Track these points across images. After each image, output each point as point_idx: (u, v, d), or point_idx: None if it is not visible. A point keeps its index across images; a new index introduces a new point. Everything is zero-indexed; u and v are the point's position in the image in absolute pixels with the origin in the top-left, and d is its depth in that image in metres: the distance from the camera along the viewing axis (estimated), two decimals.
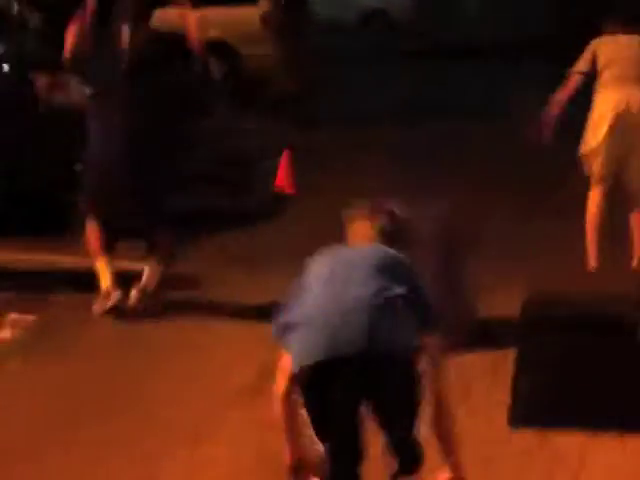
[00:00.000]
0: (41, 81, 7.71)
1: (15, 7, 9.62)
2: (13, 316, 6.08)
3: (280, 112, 12.17)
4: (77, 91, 7.42)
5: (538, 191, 8.46)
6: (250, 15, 13.48)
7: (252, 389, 5.03)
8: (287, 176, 9.44)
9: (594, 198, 6.64)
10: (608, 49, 6.58)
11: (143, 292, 6.12)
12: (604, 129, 6.46)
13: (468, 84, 14.61)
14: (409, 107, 12.87)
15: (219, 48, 11.99)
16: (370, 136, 11.05)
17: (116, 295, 6.01)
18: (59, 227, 7.37)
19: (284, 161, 9.49)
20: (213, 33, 11.47)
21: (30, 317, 6.09)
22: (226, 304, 6.24)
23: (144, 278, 6.16)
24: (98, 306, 6.02)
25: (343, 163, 9.88)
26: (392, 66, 16.29)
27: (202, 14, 11.64)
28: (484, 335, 5.58)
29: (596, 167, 6.57)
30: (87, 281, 6.19)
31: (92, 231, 6.17)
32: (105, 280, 6.05)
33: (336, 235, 3.93)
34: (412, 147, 10.42)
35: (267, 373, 4.89)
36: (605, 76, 6.54)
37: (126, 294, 6.08)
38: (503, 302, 5.99)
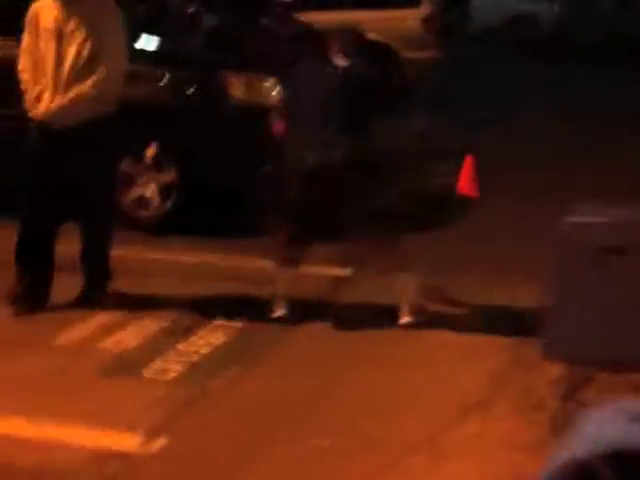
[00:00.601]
0: (232, 81, 7.55)
1: (188, 7, 9.55)
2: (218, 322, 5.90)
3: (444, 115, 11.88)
4: (271, 93, 7.28)
5: None
6: (412, 18, 13.20)
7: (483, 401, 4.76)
8: (471, 180, 9.14)
9: None
10: None
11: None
12: None
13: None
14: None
15: (380, 51, 11.75)
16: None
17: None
18: (245, 229, 7.27)
19: (467, 164, 9.20)
20: (373, 36, 11.29)
21: (236, 324, 5.90)
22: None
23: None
24: None
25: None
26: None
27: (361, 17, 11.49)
28: None
29: None
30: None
31: (283, 240, 5.96)
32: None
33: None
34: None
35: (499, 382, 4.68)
36: None
37: None
38: None
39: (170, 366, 5.33)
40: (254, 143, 7.24)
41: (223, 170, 7.45)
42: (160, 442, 4.54)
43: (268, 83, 7.46)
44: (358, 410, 4.85)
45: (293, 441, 4.58)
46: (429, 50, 13.06)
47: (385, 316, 5.88)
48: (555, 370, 5.19)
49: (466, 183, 9.09)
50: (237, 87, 7.48)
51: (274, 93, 7.29)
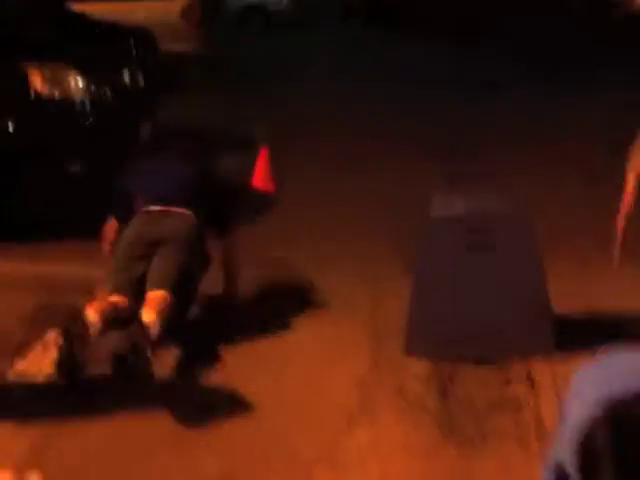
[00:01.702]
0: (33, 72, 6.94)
1: None
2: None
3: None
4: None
5: None
6: (171, 9, 12.85)
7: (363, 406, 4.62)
8: (266, 173, 8.96)
9: None
10: None
11: None
12: None
13: None
14: None
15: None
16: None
17: None
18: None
19: (261, 157, 9.02)
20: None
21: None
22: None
23: None
24: None
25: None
26: None
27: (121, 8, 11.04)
28: None
29: None
30: None
31: None
32: None
33: None
34: None
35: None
36: None
37: None
38: None
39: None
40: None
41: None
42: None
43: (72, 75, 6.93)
44: (244, 425, 4.54)
45: (181, 463, 4.24)
46: (190, 41, 12.79)
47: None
48: (420, 367, 5.12)
49: (261, 177, 8.89)
50: (39, 79, 6.88)
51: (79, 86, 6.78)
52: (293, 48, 18.78)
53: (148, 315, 4.84)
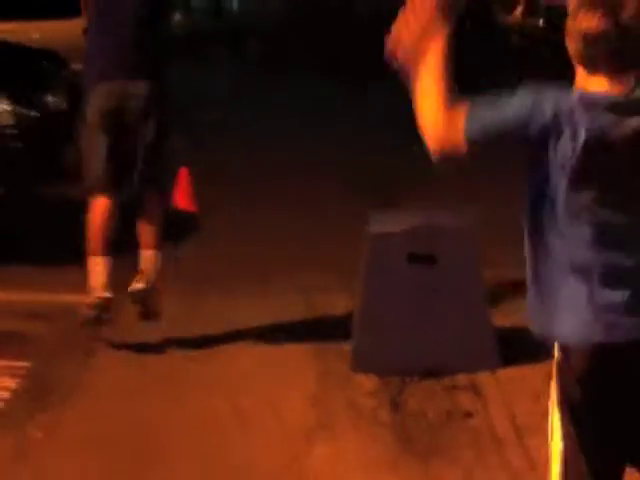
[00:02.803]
0: None
1: None
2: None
3: None
4: None
5: None
6: (75, 28, 12.68)
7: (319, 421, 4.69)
8: (187, 193, 8.97)
9: None
10: None
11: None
12: None
13: None
14: None
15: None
16: None
17: None
18: None
19: (182, 177, 9.03)
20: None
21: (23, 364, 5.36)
22: None
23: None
24: None
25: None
26: None
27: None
28: None
29: None
30: None
31: None
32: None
33: None
34: None
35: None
36: None
37: None
38: None
39: None
40: None
41: None
42: None
43: None
44: (200, 448, 4.57)
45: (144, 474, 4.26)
46: None
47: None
48: (369, 382, 5.21)
49: (183, 197, 8.88)
50: None
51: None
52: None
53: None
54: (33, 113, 7.20)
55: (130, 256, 5.77)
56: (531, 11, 23.69)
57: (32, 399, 4.95)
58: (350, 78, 15.65)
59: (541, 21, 22.27)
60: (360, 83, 15.10)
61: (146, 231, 5.67)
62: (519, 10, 24.43)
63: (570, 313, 2.58)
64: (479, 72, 12.47)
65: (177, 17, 25.88)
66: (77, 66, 10.65)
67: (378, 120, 12.45)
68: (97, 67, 5.53)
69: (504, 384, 5.11)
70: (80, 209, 5.73)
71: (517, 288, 6.31)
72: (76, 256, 5.73)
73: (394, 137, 9.67)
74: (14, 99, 6.92)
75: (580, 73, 2.60)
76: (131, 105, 5.51)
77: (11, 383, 5.12)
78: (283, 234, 7.90)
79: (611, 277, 2.53)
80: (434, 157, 2.55)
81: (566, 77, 2.64)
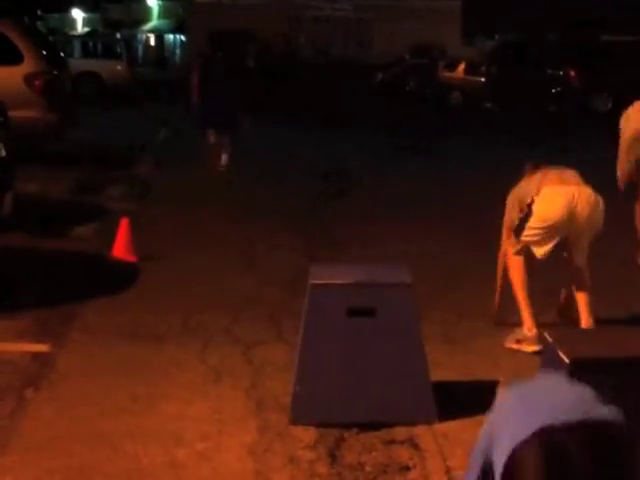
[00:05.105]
0: None
1: None
2: None
3: None
4: None
5: None
6: (14, 75, 12.67)
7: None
8: (126, 243, 8.97)
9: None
10: None
11: None
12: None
13: None
14: None
15: None
16: None
17: None
18: None
19: (122, 227, 9.05)
20: None
21: None
22: None
23: None
24: None
25: None
26: None
27: None
28: None
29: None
30: None
31: None
32: None
33: None
34: None
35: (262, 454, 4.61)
36: None
37: None
38: None
39: None
40: None
41: None
42: None
43: None
44: None
45: None
46: (36, 109, 12.63)
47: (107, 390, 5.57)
48: (307, 434, 5.20)
49: (121, 246, 8.87)
50: None
51: None
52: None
53: None
54: None
55: None
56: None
57: None
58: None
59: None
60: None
61: None
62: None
63: None
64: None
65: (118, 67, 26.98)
66: (15, 113, 10.66)
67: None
68: None
69: (440, 437, 5.14)
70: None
71: (453, 342, 6.46)
72: None
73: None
74: None
75: None
76: None
77: None
78: (221, 285, 7.91)
79: None
80: None
81: None
